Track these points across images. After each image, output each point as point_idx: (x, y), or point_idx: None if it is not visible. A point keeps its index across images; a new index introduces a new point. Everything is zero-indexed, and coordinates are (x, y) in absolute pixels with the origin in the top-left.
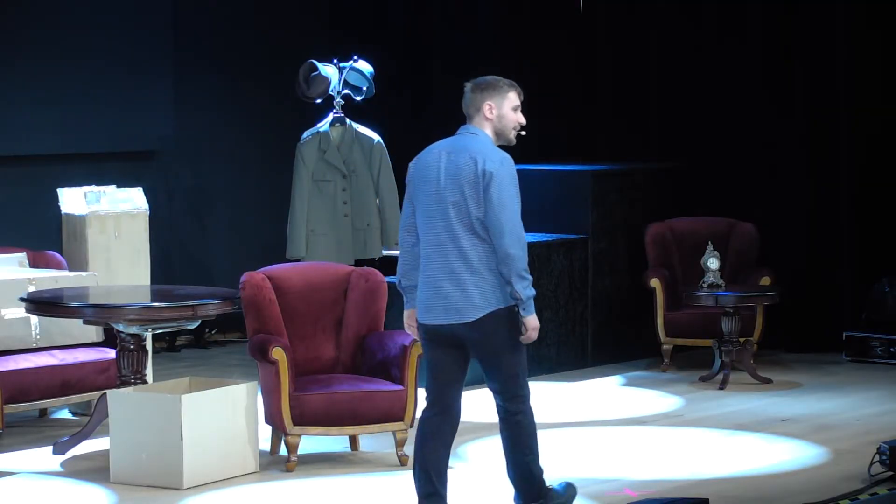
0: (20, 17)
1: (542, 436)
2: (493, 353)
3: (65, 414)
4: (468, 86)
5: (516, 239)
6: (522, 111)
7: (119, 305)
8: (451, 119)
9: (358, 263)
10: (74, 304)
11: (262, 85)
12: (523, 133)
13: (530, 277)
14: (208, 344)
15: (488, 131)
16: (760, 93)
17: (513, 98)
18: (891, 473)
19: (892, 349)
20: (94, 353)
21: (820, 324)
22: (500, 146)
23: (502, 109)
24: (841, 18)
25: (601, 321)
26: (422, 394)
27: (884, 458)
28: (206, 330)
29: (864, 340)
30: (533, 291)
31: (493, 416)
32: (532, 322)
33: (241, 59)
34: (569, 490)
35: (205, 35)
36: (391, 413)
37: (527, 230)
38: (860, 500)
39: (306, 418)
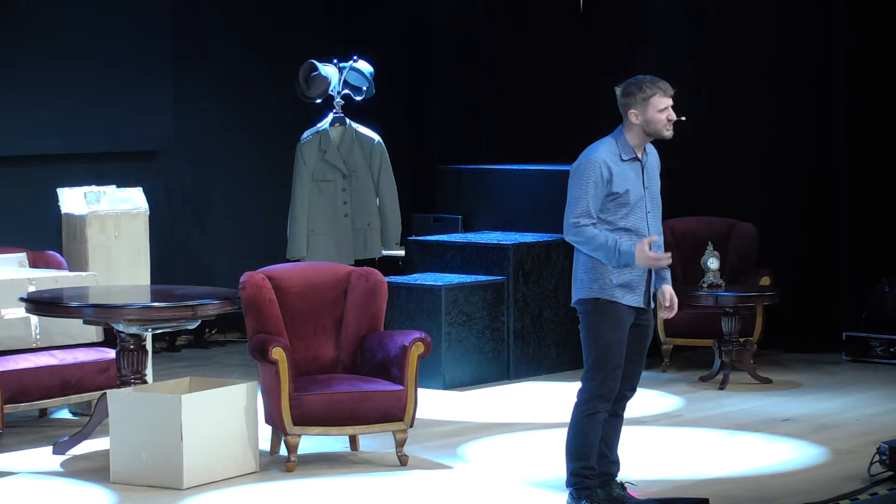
0: (20, 18)
1: (543, 435)
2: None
3: (65, 414)
4: (617, 91)
5: (568, 230)
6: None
7: (119, 305)
8: (448, 119)
9: (358, 263)
10: (74, 304)
11: (261, 85)
12: (683, 119)
13: (601, 249)
14: (208, 344)
15: (635, 131)
16: (761, 93)
17: (656, 102)
18: (891, 473)
19: (891, 349)
20: (93, 353)
21: (820, 324)
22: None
23: (647, 115)
24: (843, 19)
25: None
26: (422, 393)
27: (884, 458)
28: (206, 330)
29: (863, 340)
30: (612, 258)
31: (493, 417)
32: (639, 263)
33: (240, 59)
34: None
35: (204, 35)
36: (391, 413)
37: (527, 230)
38: (860, 500)
39: (306, 418)
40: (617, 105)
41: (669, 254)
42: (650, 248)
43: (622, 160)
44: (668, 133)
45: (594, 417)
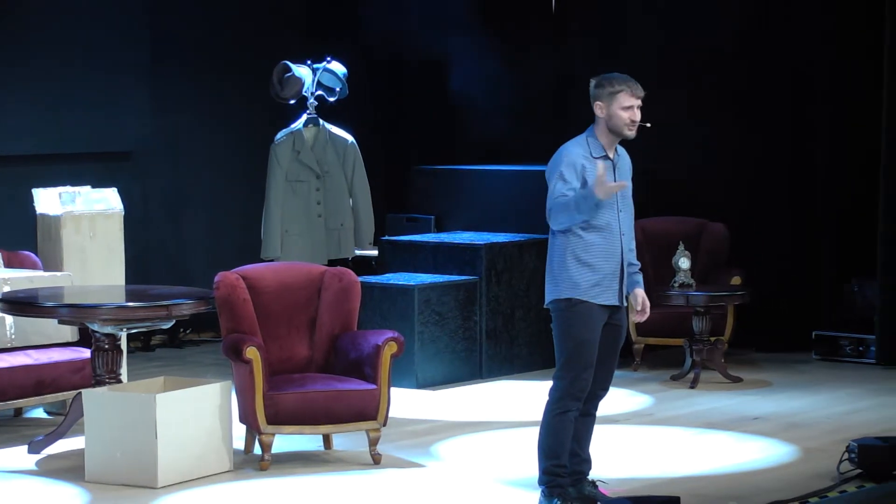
0: None
1: (516, 434)
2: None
3: (40, 413)
4: (592, 82)
5: (553, 218)
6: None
7: (94, 305)
8: (424, 118)
9: (332, 263)
10: (49, 303)
11: (236, 86)
12: (647, 126)
13: (556, 213)
14: (183, 343)
15: (602, 126)
16: (734, 95)
17: (622, 98)
18: (860, 471)
19: (860, 348)
20: (68, 353)
21: (790, 323)
22: (621, 141)
23: (611, 109)
24: (818, 21)
25: None
26: (395, 392)
27: (853, 455)
28: (181, 329)
29: (833, 340)
30: (580, 209)
31: (466, 416)
32: (599, 194)
33: (216, 61)
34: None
35: (181, 38)
36: (364, 412)
37: (500, 230)
38: (829, 497)
39: (280, 417)
40: (589, 101)
41: (624, 182)
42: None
43: (593, 157)
44: (630, 133)
45: (565, 416)
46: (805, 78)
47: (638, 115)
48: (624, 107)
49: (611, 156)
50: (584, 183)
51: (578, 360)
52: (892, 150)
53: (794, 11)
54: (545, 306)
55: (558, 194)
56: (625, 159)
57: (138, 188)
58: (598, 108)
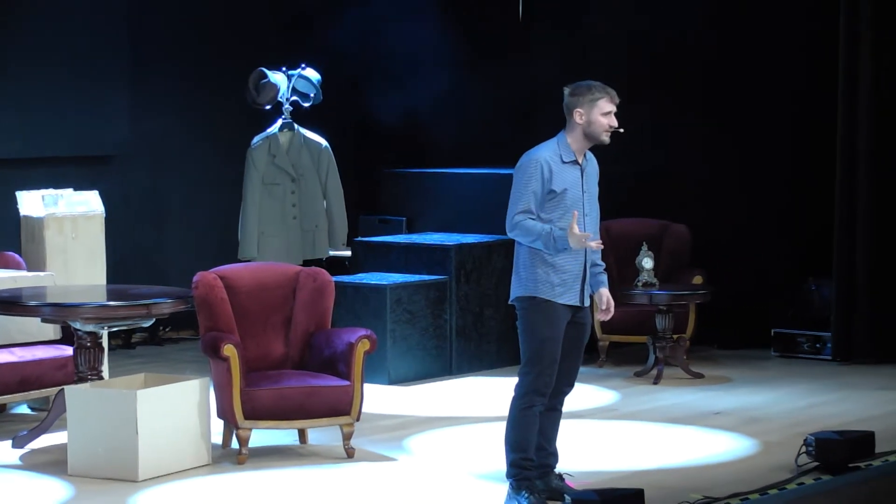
0: None
1: (484, 428)
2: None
3: (23, 409)
4: (566, 90)
5: (510, 227)
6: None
7: (76, 304)
8: (395, 123)
9: (306, 263)
10: (33, 303)
11: (214, 92)
12: (621, 131)
13: (539, 240)
14: (162, 341)
15: (578, 132)
16: (695, 99)
17: (602, 105)
18: (817, 464)
19: (817, 345)
20: (52, 351)
21: (749, 321)
22: (593, 146)
23: (591, 115)
24: (773, 22)
25: None
26: (367, 388)
27: (810, 449)
28: (161, 328)
29: (791, 337)
30: (547, 245)
31: (436, 411)
32: (573, 244)
33: (194, 67)
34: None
35: (160, 44)
36: (338, 407)
37: (469, 231)
38: (788, 489)
39: (257, 413)
40: (562, 108)
41: (599, 240)
42: (577, 227)
43: (563, 161)
44: (606, 138)
45: (530, 410)
46: (762, 81)
47: (615, 122)
48: (604, 113)
49: (580, 161)
50: (551, 192)
51: (542, 357)
52: (848, 152)
53: (753, 15)
54: (510, 303)
55: (523, 208)
56: (593, 164)
57: (119, 191)
58: (578, 115)
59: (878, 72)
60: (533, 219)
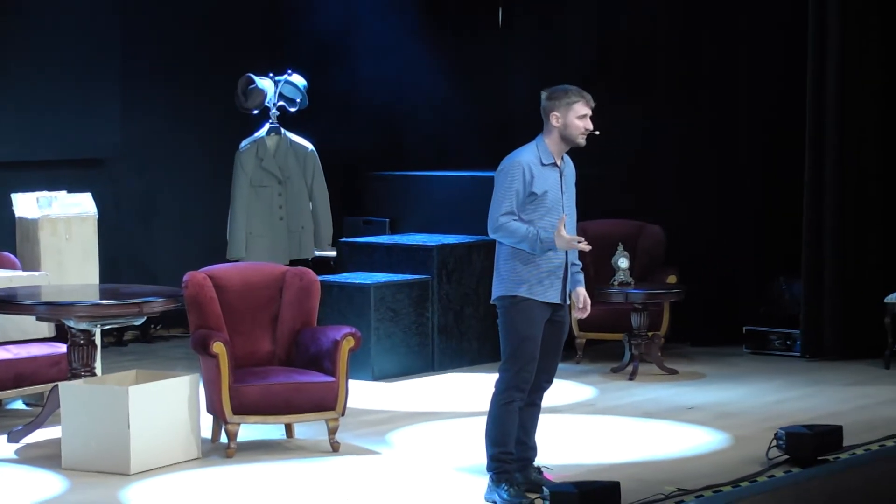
0: None
1: (466, 423)
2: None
3: (19, 405)
4: (543, 94)
5: (492, 229)
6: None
7: (70, 303)
8: (379, 128)
9: (293, 263)
10: (28, 301)
11: (203, 97)
12: (597, 133)
13: (524, 240)
14: (153, 339)
15: (555, 135)
16: (668, 104)
17: (578, 108)
18: (787, 457)
19: (788, 342)
20: (46, 348)
21: (722, 319)
22: (569, 149)
23: (567, 118)
24: (743, 28)
25: None
26: (352, 385)
27: (780, 442)
28: (152, 326)
29: (762, 334)
30: (533, 246)
31: (419, 406)
32: (559, 246)
33: (183, 73)
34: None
35: (150, 50)
36: (324, 403)
37: (450, 232)
38: (759, 481)
39: (245, 408)
40: (538, 111)
41: (584, 239)
42: (565, 229)
43: (542, 164)
44: (582, 141)
45: (510, 406)
46: (735, 84)
47: (591, 124)
48: (579, 116)
49: (558, 163)
50: (532, 194)
51: (522, 354)
52: (815, 154)
53: (725, 19)
54: (492, 302)
55: (507, 209)
56: (570, 167)
57: (111, 193)
58: (554, 118)
59: (844, 74)
60: (516, 220)
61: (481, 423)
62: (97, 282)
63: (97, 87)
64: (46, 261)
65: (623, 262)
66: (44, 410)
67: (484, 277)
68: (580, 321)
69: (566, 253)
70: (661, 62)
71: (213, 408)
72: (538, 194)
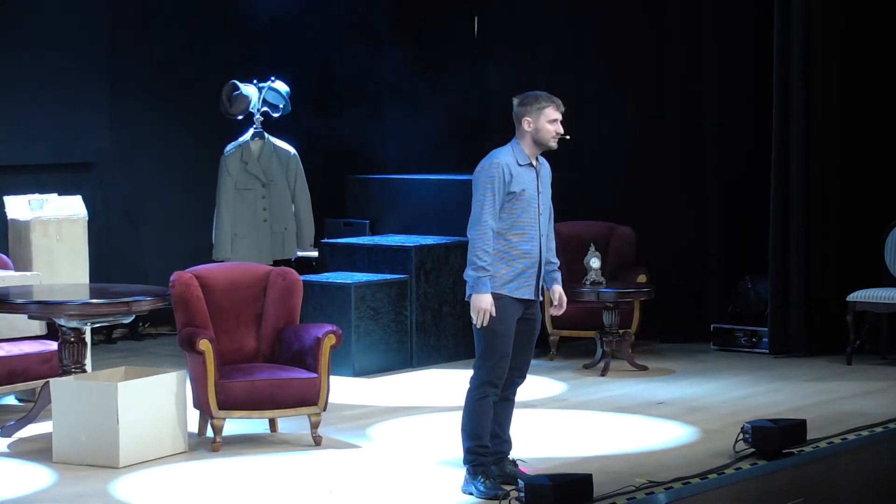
0: None
1: (443, 418)
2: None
3: (11, 400)
4: (515, 101)
5: (472, 225)
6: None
7: (61, 302)
8: (359, 132)
9: (276, 263)
10: (20, 300)
11: (189, 103)
12: (567, 137)
13: (478, 262)
14: (142, 336)
15: (528, 139)
16: (636, 108)
17: (549, 113)
18: (753, 450)
19: (754, 339)
20: (37, 346)
21: (690, 317)
22: (543, 151)
23: (538, 123)
24: (708, 28)
25: None
26: (333, 380)
27: (747, 436)
28: (140, 324)
29: (729, 331)
30: (474, 274)
31: (398, 401)
32: (473, 302)
33: (170, 79)
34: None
35: (139, 57)
36: (306, 398)
37: (428, 233)
38: (726, 474)
39: (230, 403)
40: (511, 116)
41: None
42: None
43: (519, 165)
44: (554, 144)
45: (485, 401)
46: (702, 86)
47: (561, 129)
48: (550, 120)
49: (534, 164)
50: (511, 193)
51: (495, 351)
52: (781, 156)
53: (689, 22)
54: (466, 300)
55: (489, 209)
56: (546, 168)
57: (100, 196)
58: (526, 123)
59: (809, 79)
60: (494, 230)
61: (458, 418)
62: (87, 281)
63: (87, 94)
64: (38, 261)
65: (595, 262)
66: (35, 406)
67: (460, 277)
68: (554, 318)
69: (539, 251)
70: (632, 65)
71: (200, 403)
72: (516, 192)
